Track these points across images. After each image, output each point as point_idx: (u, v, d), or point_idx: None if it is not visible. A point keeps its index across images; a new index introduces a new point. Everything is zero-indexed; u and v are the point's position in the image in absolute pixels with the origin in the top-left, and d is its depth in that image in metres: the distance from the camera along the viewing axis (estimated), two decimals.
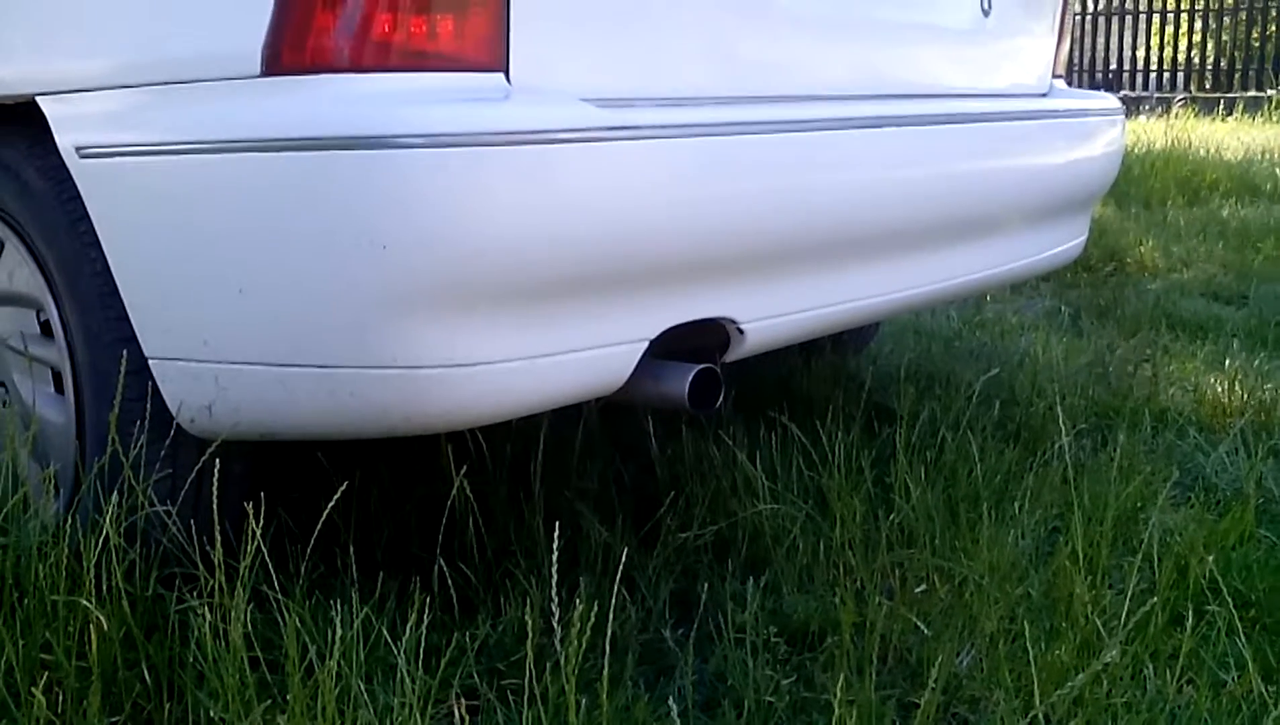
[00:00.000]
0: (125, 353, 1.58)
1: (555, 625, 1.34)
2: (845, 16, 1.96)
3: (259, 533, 1.46)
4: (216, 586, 1.46)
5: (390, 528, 1.92)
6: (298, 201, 1.39)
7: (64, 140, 1.60)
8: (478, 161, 1.36)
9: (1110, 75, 12.88)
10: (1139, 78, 12.84)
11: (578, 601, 1.31)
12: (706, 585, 1.78)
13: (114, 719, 1.43)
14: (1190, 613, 1.58)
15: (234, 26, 1.43)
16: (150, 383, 1.58)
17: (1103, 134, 2.48)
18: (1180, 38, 12.73)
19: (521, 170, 1.39)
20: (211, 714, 1.41)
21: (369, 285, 1.37)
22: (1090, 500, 1.96)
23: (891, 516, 1.93)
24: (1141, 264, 4.41)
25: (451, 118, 1.36)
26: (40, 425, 1.76)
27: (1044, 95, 2.47)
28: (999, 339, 3.36)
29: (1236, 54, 12.36)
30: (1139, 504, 2.04)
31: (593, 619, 1.32)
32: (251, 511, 1.47)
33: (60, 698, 1.41)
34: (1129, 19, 12.89)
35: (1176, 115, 9.02)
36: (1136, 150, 6.67)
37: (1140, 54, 12.97)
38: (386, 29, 1.39)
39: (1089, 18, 13.06)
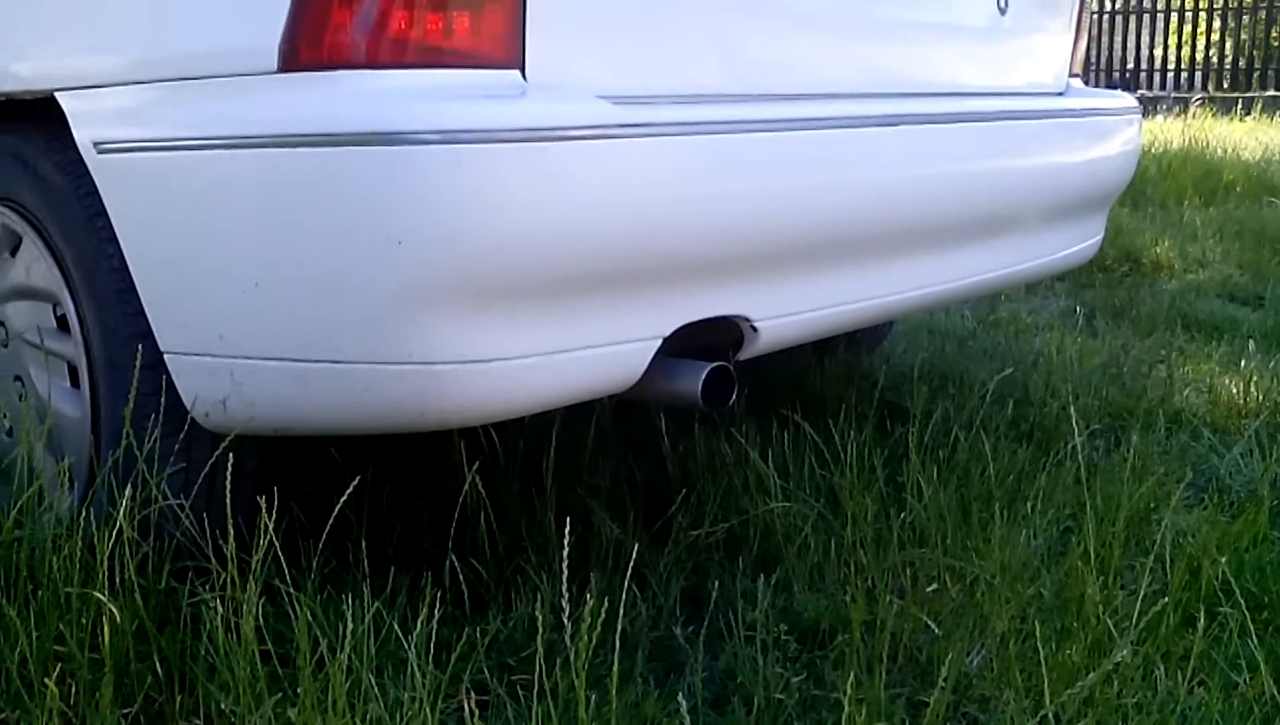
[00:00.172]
0: (141, 347, 1.59)
1: (566, 621, 1.34)
2: (864, 15, 1.95)
3: (272, 527, 1.47)
4: (229, 580, 1.47)
5: (402, 523, 1.92)
6: (314, 197, 1.39)
7: (82, 135, 1.60)
8: (493, 158, 1.36)
9: (1127, 74, 12.83)
10: (1156, 77, 12.79)
11: (588, 598, 1.31)
12: (717, 582, 1.78)
13: (126, 710, 1.44)
14: (1202, 614, 1.57)
15: (251, 23, 1.44)
16: (165, 377, 1.59)
17: (1119, 133, 2.48)
18: (1198, 37, 12.68)
19: (537, 167, 1.39)
20: (223, 706, 1.41)
21: (384, 281, 1.37)
22: (1103, 501, 1.95)
23: (903, 515, 1.93)
24: (1157, 264, 4.39)
25: (467, 114, 1.37)
26: (56, 419, 1.77)
27: (1060, 94, 2.47)
28: (1013, 339, 3.35)
29: (1255, 53, 12.30)
30: (1152, 505, 2.03)
31: (603, 615, 1.32)
32: (264, 506, 1.48)
33: (73, 689, 1.42)
34: (1146, 18, 12.84)
35: (1194, 115, 8.99)
36: (1153, 150, 6.64)
37: (1158, 53, 12.92)
38: (403, 26, 1.40)
39: (1106, 16, 13.01)
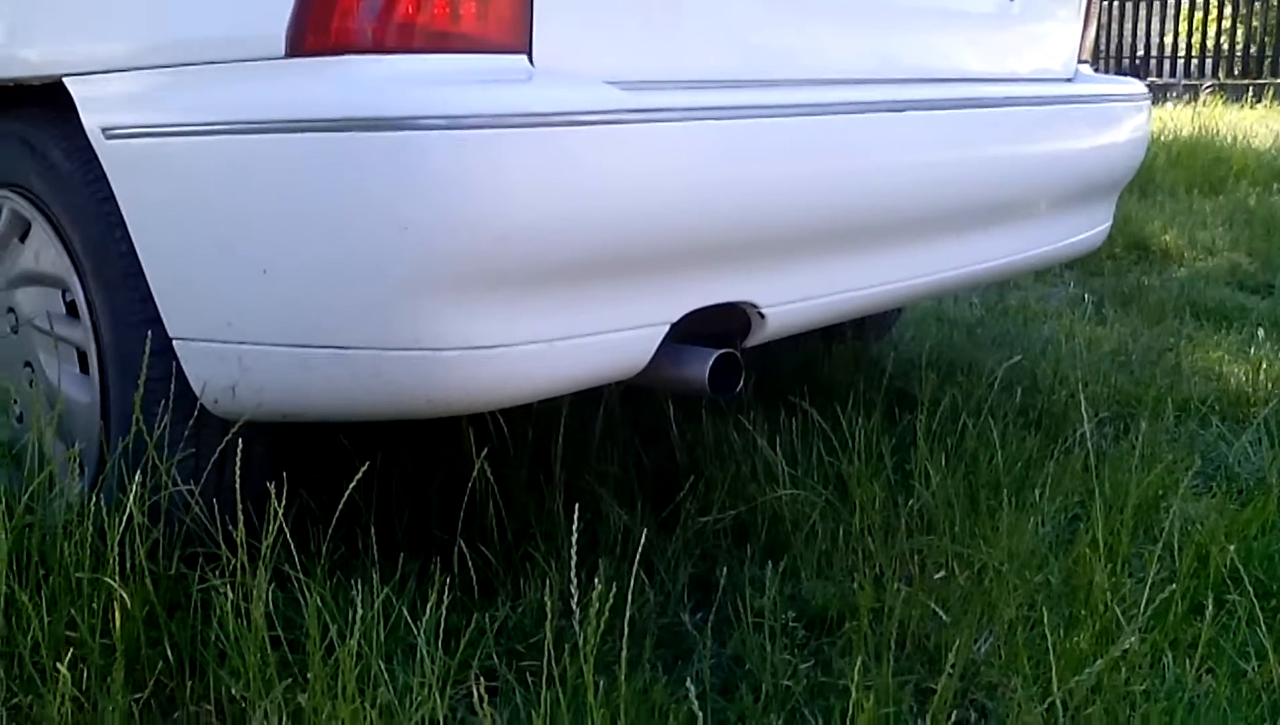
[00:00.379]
0: (150, 333, 1.59)
1: (574, 607, 1.34)
2: (873, 1, 1.95)
3: (281, 513, 1.47)
4: (238, 566, 1.48)
5: (411, 509, 1.92)
6: (321, 183, 1.39)
7: (90, 121, 1.60)
8: (500, 143, 1.36)
9: (1137, 61, 12.78)
10: (1167, 64, 12.74)
11: (597, 584, 1.31)
12: (725, 569, 1.78)
13: (137, 695, 1.44)
14: (1210, 602, 1.57)
15: (259, 8, 1.44)
16: (174, 363, 1.60)
17: (1128, 120, 2.47)
18: (1209, 23, 12.62)
19: (544, 152, 1.39)
20: (233, 691, 1.42)
21: (391, 267, 1.37)
22: (1111, 488, 1.95)
23: (911, 503, 1.93)
24: (1166, 252, 4.38)
25: (474, 100, 1.37)
26: (65, 405, 1.77)
27: (1069, 80, 2.46)
28: (1021, 326, 3.35)
29: (1267, 40, 12.25)
30: (1160, 492, 2.03)
31: (611, 602, 1.32)
32: (273, 492, 1.48)
33: (84, 674, 1.42)
34: (1157, 4, 12.78)
35: (1204, 102, 8.95)
36: (1163, 137, 6.61)
37: (1168, 40, 12.87)
38: (410, 10, 1.39)
39: (1116, 3, 12.95)
